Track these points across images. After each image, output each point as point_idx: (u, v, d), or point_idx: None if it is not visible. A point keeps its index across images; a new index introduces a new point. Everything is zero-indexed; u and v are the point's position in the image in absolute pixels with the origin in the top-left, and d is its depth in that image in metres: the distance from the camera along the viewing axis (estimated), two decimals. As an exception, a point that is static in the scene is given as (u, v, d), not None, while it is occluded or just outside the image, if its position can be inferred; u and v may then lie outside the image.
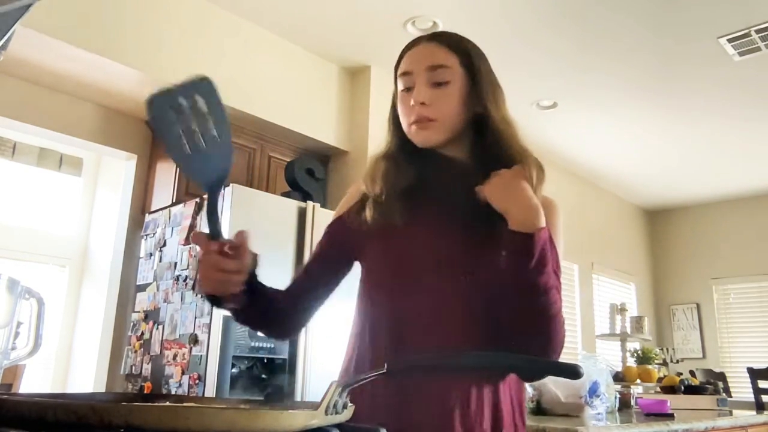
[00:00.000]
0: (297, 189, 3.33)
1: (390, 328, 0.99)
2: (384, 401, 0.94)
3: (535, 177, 0.96)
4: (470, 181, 1.03)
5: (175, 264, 3.00)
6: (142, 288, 3.20)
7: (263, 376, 2.86)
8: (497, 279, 0.93)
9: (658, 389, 3.41)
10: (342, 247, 1.12)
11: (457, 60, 1.02)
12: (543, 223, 0.90)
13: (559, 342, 0.92)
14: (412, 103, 1.01)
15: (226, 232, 3.18)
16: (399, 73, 1.06)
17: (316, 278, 1.14)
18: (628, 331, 4.11)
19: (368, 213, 1.04)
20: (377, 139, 1.13)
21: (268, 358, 2.84)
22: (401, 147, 1.08)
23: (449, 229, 1.01)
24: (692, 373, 4.14)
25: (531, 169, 0.96)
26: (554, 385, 2.27)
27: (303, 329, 1.16)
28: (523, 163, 0.97)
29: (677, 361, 5.49)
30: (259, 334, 2.78)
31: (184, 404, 0.69)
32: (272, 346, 2.84)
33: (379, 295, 1.03)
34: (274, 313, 1.07)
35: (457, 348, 0.94)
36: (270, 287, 1.05)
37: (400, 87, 1.06)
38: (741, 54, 3.63)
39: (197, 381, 2.67)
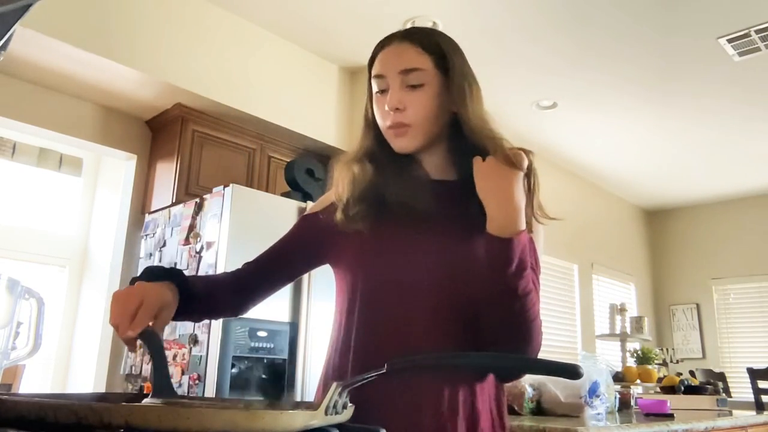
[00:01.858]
0: (297, 189, 3.33)
1: (364, 333, 0.98)
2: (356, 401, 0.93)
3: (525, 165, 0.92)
4: (446, 183, 1.03)
5: (175, 264, 3.00)
6: (142, 288, 3.20)
7: (263, 376, 2.86)
8: (474, 283, 0.92)
9: (658, 389, 3.41)
10: (310, 243, 1.10)
11: (431, 61, 1.00)
12: (523, 225, 0.89)
13: (536, 347, 0.92)
14: (387, 107, 1.00)
15: (226, 232, 3.15)
16: (373, 74, 1.04)
17: (273, 266, 1.12)
18: (628, 331, 4.11)
19: (338, 217, 1.02)
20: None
21: (268, 359, 2.84)
22: (376, 147, 1.06)
23: (425, 232, 0.99)
24: (692, 373, 4.14)
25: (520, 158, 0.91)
26: (554, 385, 2.27)
27: (248, 309, 1.14)
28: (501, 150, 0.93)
29: (677, 362, 5.50)
30: (260, 334, 2.79)
31: (184, 404, 0.68)
32: (272, 346, 2.84)
33: (354, 301, 1.01)
34: (212, 307, 1.08)
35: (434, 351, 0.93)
36: (205, 284, 1.07)
37: (375, 89, 1.04)
38: (741, 54, 3.63)
39: (197, 381, 2.67)
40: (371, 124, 1.07)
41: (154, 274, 0.99)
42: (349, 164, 1.07)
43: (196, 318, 1.10)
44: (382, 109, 1.02)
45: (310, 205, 3.10)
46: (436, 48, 1.01)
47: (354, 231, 1.01)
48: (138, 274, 1.00)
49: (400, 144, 1.01)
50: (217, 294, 1.08)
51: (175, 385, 2.68)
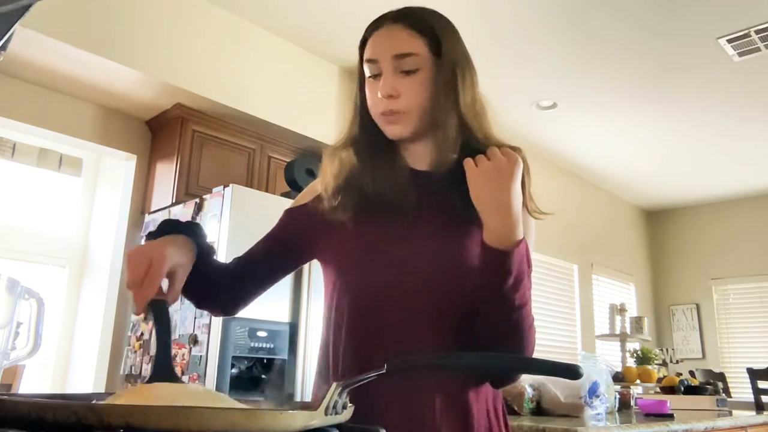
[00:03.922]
0: (296, 189, 3.33)
1: (359, 333, 0.95)
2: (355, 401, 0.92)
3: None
4: (431, 175, 1.00)
5: (175, 264, 3.00)
6: (142, 288, 3.20)
7: (263, 376, 2.86)
8: (465, 281, 0.90)
9: (658, 389, 3.41)
10: (298, 237, 1.06)
11: (425, 45, 0.96)
12: (521, 234, 0.86)
13: (530, 353, 0.91)
14: (380, 94, 0.96)
15: (226, 232, 3.14)
16: (365, 58, 1.00)
17: (261, 263, 1.07)
18: (628, 331, 4.11)
19: (325, 205, 1.00)
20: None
21: (267, 359, 2.84)
22: (362, 136, 1.03)
23: (412, 227, 0.96)
24: (692, 373, 4.14)
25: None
26: (554, 386, 2.27)
27: (238, 310, 1.09)
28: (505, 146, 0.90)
29: (677, 362, 5.49)
30: (260, 334, 2.79)
31: (184, 404, 0.68)
32: (272, 346, 2.84)
33: (344, 299, 0.98)
34: (209, 286, 1.02)
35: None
36: (215, 260, 1.02)
37: (367, 73, 1.00)
38: (741, 54, 3.63)
39: (197, 381, 2.67)
40: (359, 110, 1.04)
41: (170, 226, 0.95)
42: (337, 151, 1.04)
43: (198, 292, 1.01)
44: (374, 95, 0.98)
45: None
46: (430, 31, 0.98)
47: (340, 224, 0.98)
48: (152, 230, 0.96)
49: (393, 131, 0.99)
50: (222, 277, 1.03)
51: (175, 385, 2.60)
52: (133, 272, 0.85)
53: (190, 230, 0.97)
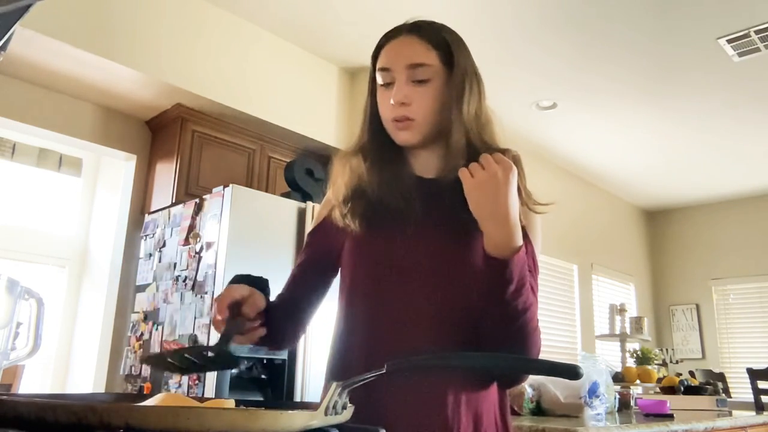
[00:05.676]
0: (296, 189, 3.33)
1: (364, 336, 0.98)
2: (359, 402, 0.91)
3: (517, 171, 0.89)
4: (437, 182, 1.02)
5: (175, 264, 3.00)
6: (142, 288, 3.20)
7: (263, 376, 2.86)
8: (474, 296, 0.91)
9: (658, 390, 3.41)
10: (326, 253, 1.10)
11: (437, 57, 1.00)
12: (520, 241, 0.87)
13: (536, 355, 0.92)
14: (392, 102, 0.99)
15: (226, 232, 3.13)
16: (378, 66, 1.03)
17: (305, 287, 1.11)
18: (628, 331, 4.11)
19: (335, 214, 1.03)
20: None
21: (267, 359, 2.84)
22: (371, 143, 1.05)
23: (418, 233, 0.98)
24: (692, 373, 4.14)
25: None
26: (554, 386, 2.27)
27: (300, 338, 1.14)
28: (506, 153, 0.94)
29: (677, 362, 5.49)
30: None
31: (184, 405, 0.68)
32: (272, 346, 2.83)
33: (355, 302, 1.01)
34: (274, 326, 1.04)
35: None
36: (272, 303, 1.04)
37: (379, 81, 1.03)
38: (740, 55, 3.63)
39: (197, 381, 2.67)
40: (370, 118, 1.06)
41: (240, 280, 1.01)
42: (347, 158, 1.07)
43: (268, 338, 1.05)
44: (386, 102, 1.01)
45: (309, 205, 3.11)
46: (443, 43, 1.02)
47: (351, 231, 1.01)
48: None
49: (403, 137, 1.01)
50: (277, 313, 1.06)
51: (174, 386, 2.70)
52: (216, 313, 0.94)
53: (247, 279, 1.02)
